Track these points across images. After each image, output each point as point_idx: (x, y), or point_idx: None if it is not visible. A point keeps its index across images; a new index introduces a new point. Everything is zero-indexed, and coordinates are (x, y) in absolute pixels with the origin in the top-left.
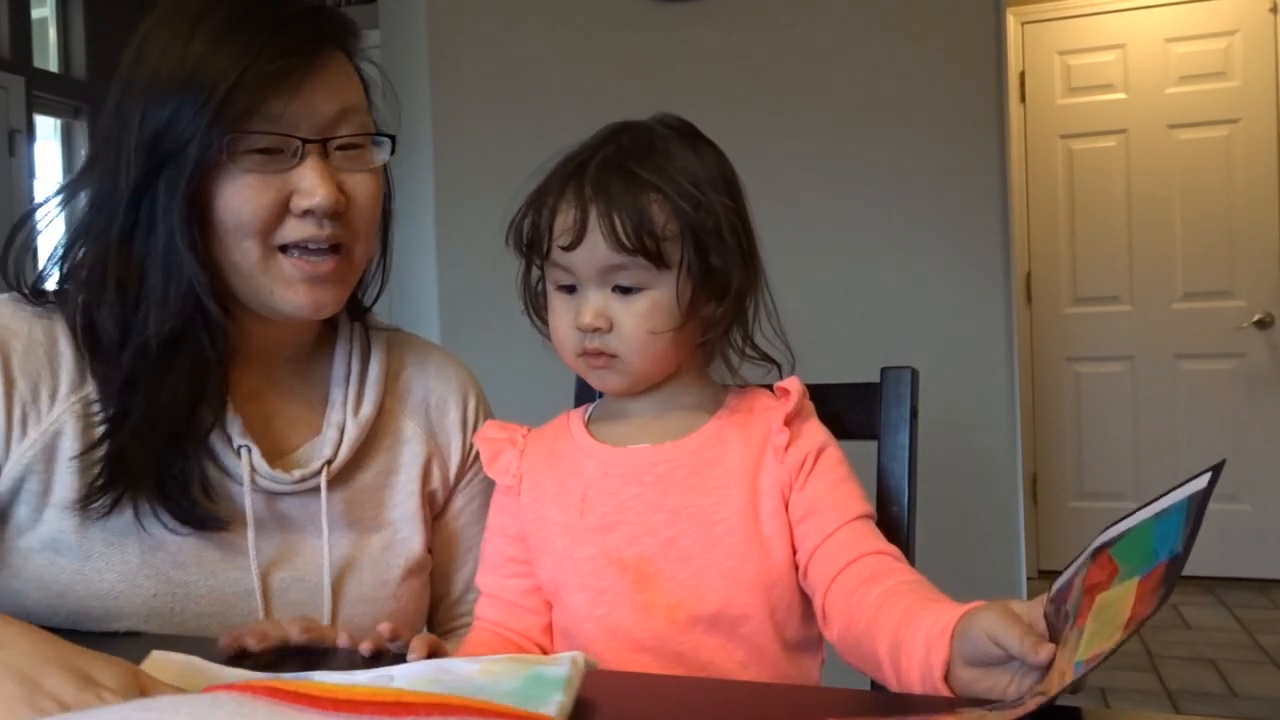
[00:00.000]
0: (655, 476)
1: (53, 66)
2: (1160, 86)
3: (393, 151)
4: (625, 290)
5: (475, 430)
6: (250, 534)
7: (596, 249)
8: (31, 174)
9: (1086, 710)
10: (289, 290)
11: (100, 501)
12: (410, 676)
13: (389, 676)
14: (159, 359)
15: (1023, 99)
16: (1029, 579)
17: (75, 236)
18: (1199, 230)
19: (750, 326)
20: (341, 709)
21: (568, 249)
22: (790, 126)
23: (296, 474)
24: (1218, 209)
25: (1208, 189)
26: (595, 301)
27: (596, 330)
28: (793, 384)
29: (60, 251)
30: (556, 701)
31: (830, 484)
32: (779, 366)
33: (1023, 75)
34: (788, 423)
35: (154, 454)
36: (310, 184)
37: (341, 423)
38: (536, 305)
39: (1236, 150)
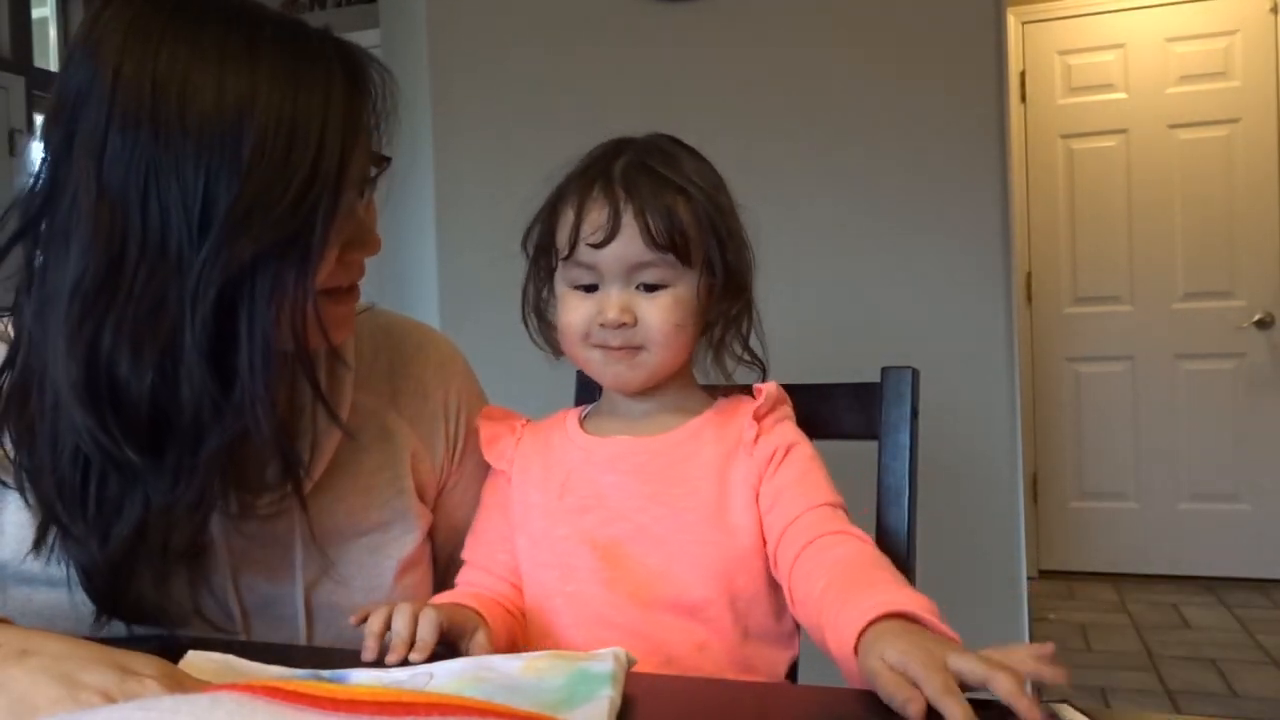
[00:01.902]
0: (632, 465)
1: (53, 66)
2: (1160, 86)
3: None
4: (649, 287)
5: (458, 417)
6: (227, 569)
7: (629, 246)
8: (31, 174)
9: (1087, 710)
10: (335, 329)
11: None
12: (451, 674)
13: (429, 675)
14: (233, 444)
15: (1023, 99)
16: (1029, 579)
17: (89, 308)
18: (1199, 230)
19: (748, 329)
20: (341, 709)
21: (599, 246)
22: (790, 126)
23: (266, 499)
24: (1218, 209)
25: (1208, 189)
26: (620, 298)
27: (622, 326)
28: (769, 386)
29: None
30: (606, 696)
31: (798, 474)
32: (763, 368)
33: (1023, 75)
34: (757, 419)
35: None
36: (370, 235)
37: (312, 437)
38: (539, 310)
39: (1236, 150)
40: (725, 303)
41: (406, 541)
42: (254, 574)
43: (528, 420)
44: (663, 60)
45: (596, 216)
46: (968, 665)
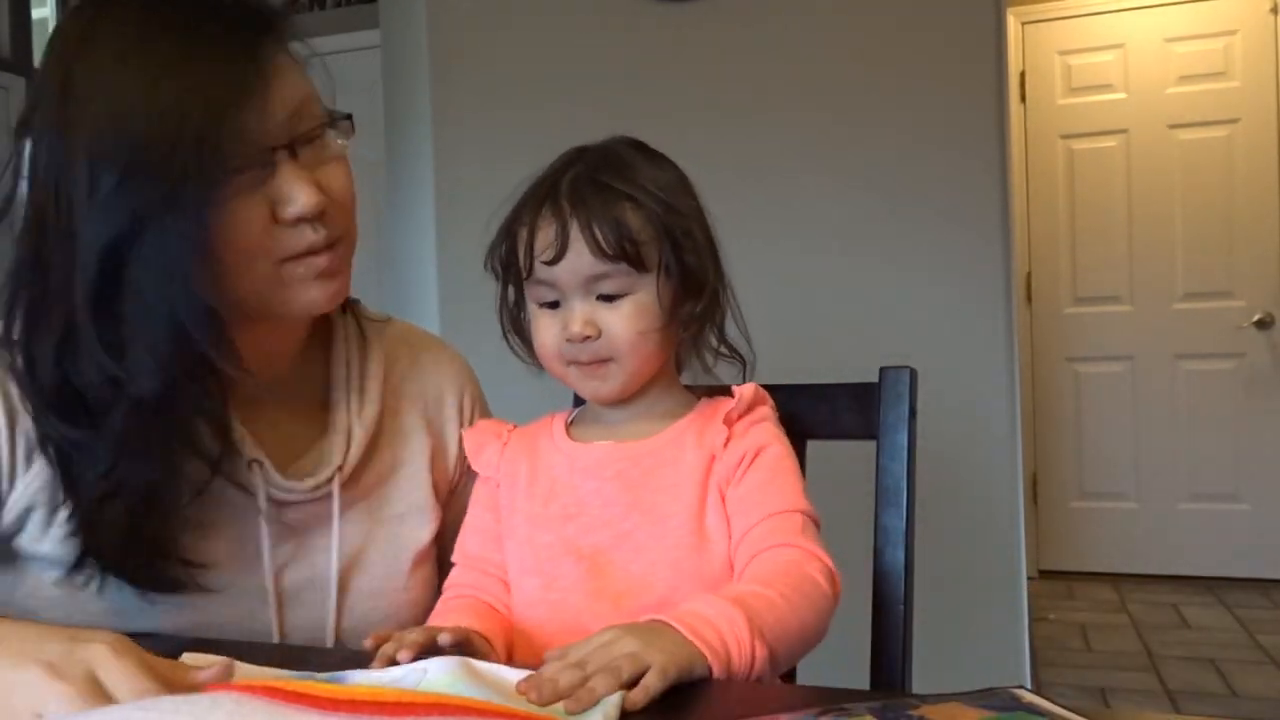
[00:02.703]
0: (614, 472)
1: None
2: (1160, 86)
3: (352, 128)
4: (609, 298)
5: (470, 420)
6: (265, 549)
7: (580, 260)
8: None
9: (1087, 710)
10: (303, 292)
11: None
12: (444, 669)
13: (423, 670)
14: (150, 416)
15: (1023, 99)
16: (1029, 579)
17: (15, 294)
18: (1199, 230)
19: (723, 324)
20: (341, 709)
21: (551, 263)
22: (790, 126)
23: (309, 483)
24: (1218, 209)
25: (1208, 189)
26: (582, 311)
27: (586, 339)
28: (745, 388)
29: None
30: (602, 711)
31: (762, 481)
32: (744, 363)
33: (1023, 75)
34: (729, 422)
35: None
36: (291, 191)
37: (347, 427)
38: (517, 327)
39: (1236, 150)
40: (689, 303)
41: (422, 535)
42: (292, 556)
43: (514, 426)
44: (663, 60)
45: (545, 235)
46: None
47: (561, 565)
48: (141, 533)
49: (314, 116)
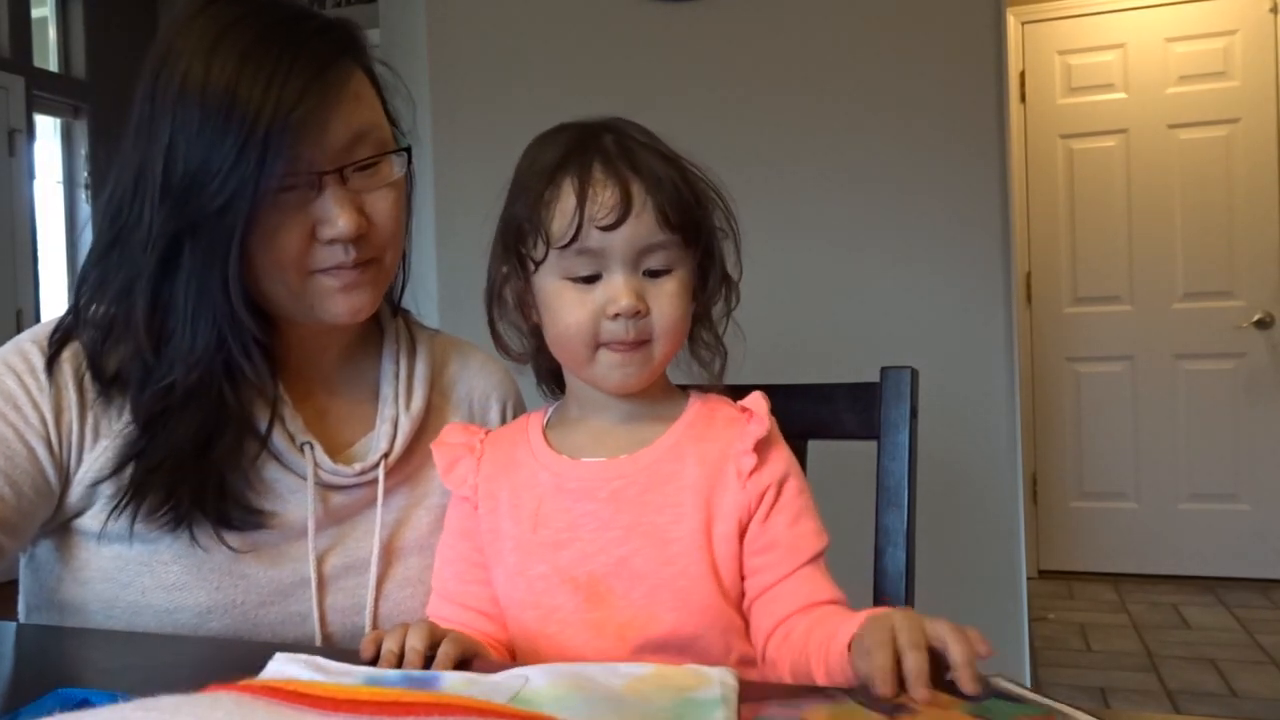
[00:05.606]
0: (609, 492)
1: (53, 66)
2: (1160, 86)
3: (410, 160)
4: (654, 273)
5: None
6: (310, 527)
7: (642, 227)
8: (31, 174)
9: (1087, 710)
10: (327, 302)
11: (164, 516)
12: (548, 677)
13: (524, 678)
14: (181, 402)
15: (1023, 99)
16: (1029, 579)
17: (92, 268)
18: (1199, 230)
19: (725, 316)
20: (341, 709)
21: (610, 228)
22: (790, 126)
23: (357, 467)
24: (1218, 209)
25: (1208, 189)
26: (630, 284)
27: (636, 314)
28: (758, 404)
29: (79, 283)
30: (720, 688)
31: (789, 520)
32: (725, 356)
33: (1023, 75)
34: (757, 450)
35: (189, 482)
36: (331, 214)
37: (394, 417)
38: (524, 313)
39: (1236, 150)
40: (717, 289)
41: None
42: (335, 541)
43: (488, 432)
44: (663, 60)
45: (607, 196)
46: (934, 628)
47: (558, 597)
48: (209, 481)
49: (372, 144)
